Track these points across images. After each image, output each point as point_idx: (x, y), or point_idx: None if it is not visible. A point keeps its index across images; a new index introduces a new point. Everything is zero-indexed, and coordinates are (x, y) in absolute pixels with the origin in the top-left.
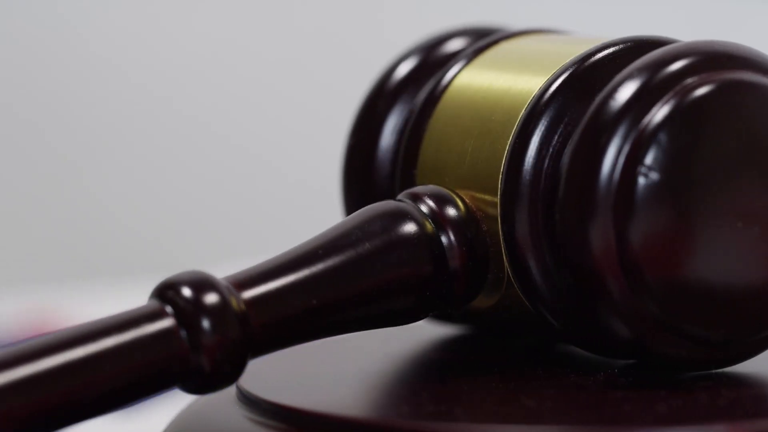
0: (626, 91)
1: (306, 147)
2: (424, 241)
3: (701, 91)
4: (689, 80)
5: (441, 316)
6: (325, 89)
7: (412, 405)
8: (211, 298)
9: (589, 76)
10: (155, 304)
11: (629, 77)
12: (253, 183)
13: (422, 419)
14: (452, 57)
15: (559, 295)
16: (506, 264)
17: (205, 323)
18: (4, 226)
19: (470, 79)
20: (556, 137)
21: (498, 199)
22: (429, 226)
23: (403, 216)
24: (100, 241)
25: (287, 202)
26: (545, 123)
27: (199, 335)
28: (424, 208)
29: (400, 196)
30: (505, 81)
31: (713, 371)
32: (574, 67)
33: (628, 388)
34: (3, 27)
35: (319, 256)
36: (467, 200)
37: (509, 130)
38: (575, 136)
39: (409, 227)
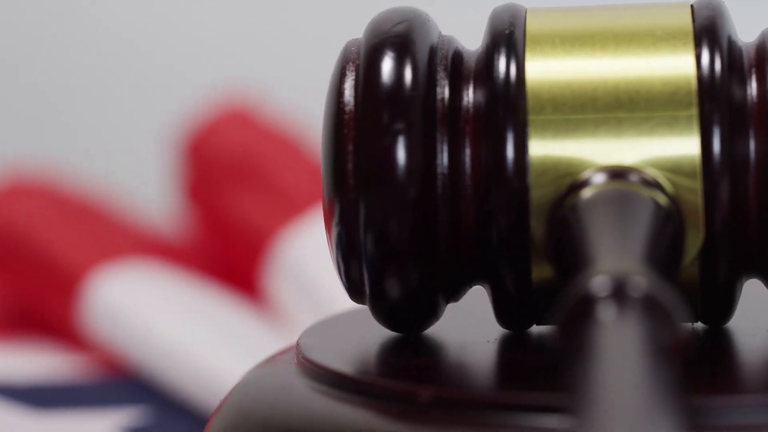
0: None
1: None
2: (665, 212)
3: None
4: None
5: None
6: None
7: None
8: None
9: (733, 45)
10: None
11: None
12: None
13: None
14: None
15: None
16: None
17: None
18: None
19: (558, 61)
20: (742, 109)
21: (698, 170)
22: (655, 196)
23: (638, 195)
24: None
25: None
26: (725, 97)
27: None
28: (636, 183)
29: (584, 180)
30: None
31: None
32: (724, 37)
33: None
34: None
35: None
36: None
37: (675, 104)
38: None
39: (649, 203)
